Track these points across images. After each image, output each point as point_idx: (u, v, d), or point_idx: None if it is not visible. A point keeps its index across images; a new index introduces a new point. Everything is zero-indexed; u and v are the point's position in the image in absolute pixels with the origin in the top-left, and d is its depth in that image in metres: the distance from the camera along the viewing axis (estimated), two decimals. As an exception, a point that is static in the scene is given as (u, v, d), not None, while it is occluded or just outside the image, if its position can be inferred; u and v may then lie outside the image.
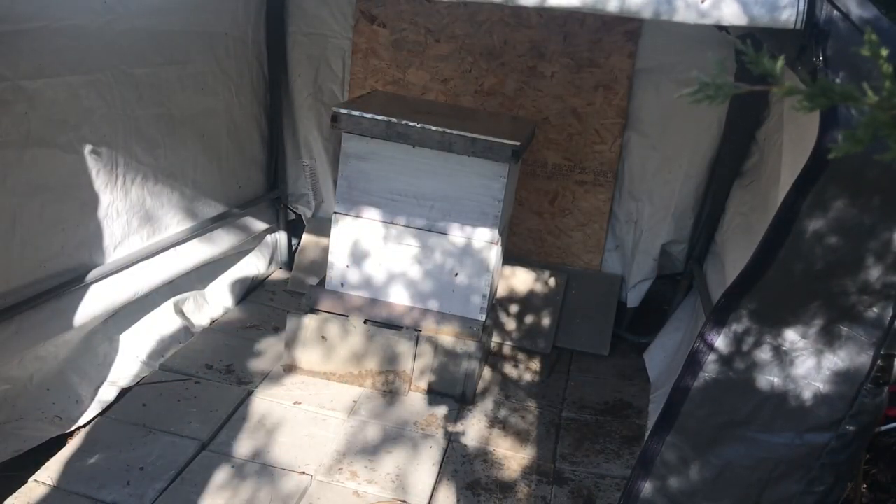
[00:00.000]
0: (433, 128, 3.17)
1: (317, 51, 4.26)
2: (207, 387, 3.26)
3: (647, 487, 2.15)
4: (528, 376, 3.78)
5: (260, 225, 4.35)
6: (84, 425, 2.90)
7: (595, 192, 4.16)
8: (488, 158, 3.19)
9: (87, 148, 2.94)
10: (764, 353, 2.00)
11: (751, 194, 3.53)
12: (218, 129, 3.89)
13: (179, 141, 3.55)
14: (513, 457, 3.09)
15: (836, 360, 1.98)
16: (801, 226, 1.83)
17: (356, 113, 3.22)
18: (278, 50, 4.22)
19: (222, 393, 3.23)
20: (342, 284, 3.49)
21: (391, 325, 3.43)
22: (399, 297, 3.48)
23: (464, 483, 2.88)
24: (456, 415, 3.31)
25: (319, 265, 4.17)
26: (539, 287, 4.12)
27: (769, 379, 2.01)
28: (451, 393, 3.41)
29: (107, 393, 3.08)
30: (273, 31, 4.15)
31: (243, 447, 2.90)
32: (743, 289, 1.96)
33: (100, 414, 2.98)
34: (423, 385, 3.42)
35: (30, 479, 2.55)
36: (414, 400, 3.38)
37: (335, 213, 3.42)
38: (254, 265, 4.37)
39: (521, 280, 4.13)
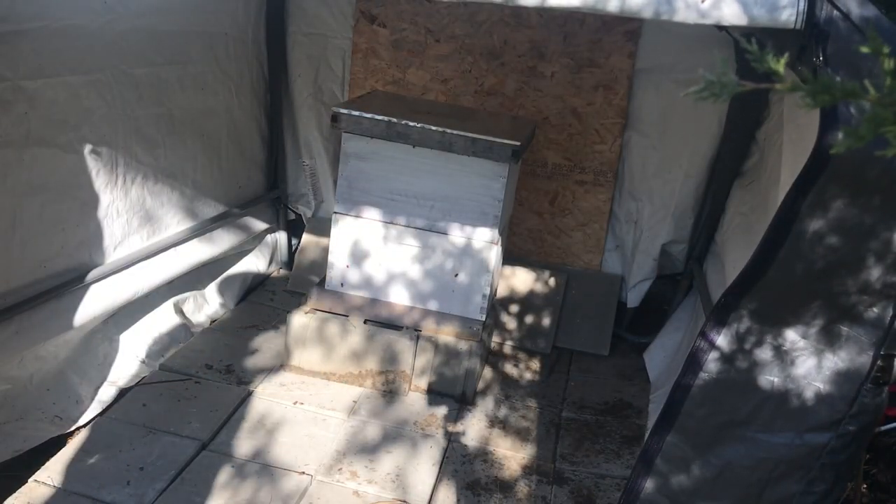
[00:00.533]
0: (433, 128, 3.17)
1: (317, 51, 4.26)
2: (207, 387, 3.26)
3: (647, 487, 2.15)
4: (528, 376, 3.78)
5: (260, 225, 4.35)
6: (84, 425, 2.90)
7: (595, 192, 4.16)
8: (488, 158, 3.19)
9: (87, 148, 2.94)
10: (764, 353, 2.00)
11: (751, 194, 3.53)
12: (218, 129, 3.89)
13: (179, 141, 3.56)
14: (513, 457, 3.09)
15: (836, 360, 1.98)
16: (801, 225, 1.83)
17: (356, 113, 3.22)
18: (278, 50, 4.22)
19: (222, 393, 3.23)
20: (342, 284, 3.49)
21: (391, 324, 3.43)
22: (399, 297, 3.48)
23: (464, 483, 2.88)
24: (456, 415, 3.31)
25: (319, 265, 4.18)
26: (539, 287, 4.12)
27: (769, 378, 2.01)
28: (451, 393, 3.41)
29: (107, 393, 3.09)
30: (273, 31, 4.15)
31: (243, 447, 2.90)
32: (743, 288, 1.96)
33: (100, 414, 2.98)
34: (423, 385, 3.42)
35: (30, 479, 2.55)
36: (414, 400, 3.38)
37: (335, 212, 3.43)
38: (254, 265, 4.37)
39: (521, 280, 4.13)
